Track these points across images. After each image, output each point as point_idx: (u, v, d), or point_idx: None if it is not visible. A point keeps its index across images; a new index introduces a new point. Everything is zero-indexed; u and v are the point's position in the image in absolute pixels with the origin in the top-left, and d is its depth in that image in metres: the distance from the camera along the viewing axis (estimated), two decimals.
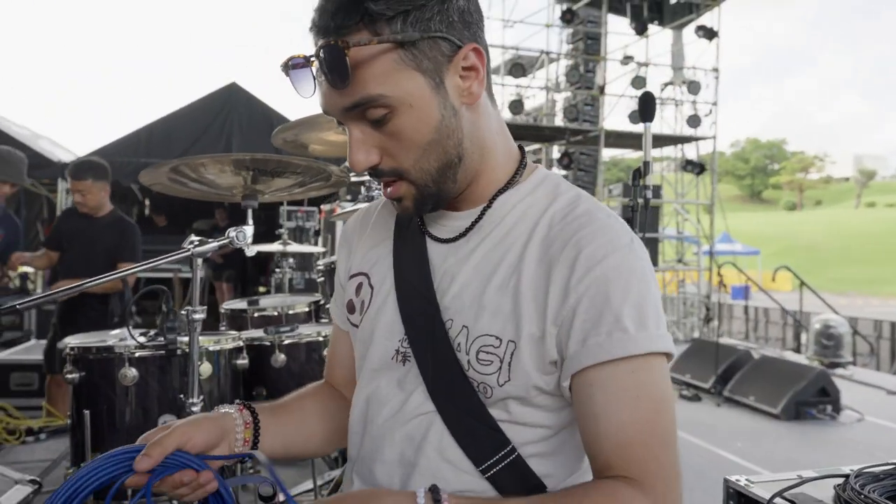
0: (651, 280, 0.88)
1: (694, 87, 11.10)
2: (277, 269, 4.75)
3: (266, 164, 1.79)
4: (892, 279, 33.93)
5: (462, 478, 0.90)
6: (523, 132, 11.76)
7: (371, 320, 1.01)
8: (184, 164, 1.73)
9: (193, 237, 1.72)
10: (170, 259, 1.64)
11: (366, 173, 0.92)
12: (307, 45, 0.87)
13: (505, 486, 0.89)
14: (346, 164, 0.93)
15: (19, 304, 1.39)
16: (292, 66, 0.86)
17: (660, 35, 12.20)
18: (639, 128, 11.11)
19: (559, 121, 12.03)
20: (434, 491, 0.80)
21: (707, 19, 11.35)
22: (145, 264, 1.65)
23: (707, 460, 4.57)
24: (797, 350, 9.23)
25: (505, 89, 11.21)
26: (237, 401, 1.04)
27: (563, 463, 0.94)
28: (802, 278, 8.79)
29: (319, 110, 0.92)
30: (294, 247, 3.33)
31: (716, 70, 11.14)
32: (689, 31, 11.66)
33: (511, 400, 0.89)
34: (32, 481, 1.78)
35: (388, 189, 0.93)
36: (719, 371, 6.25)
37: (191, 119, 8.15)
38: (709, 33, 11.03)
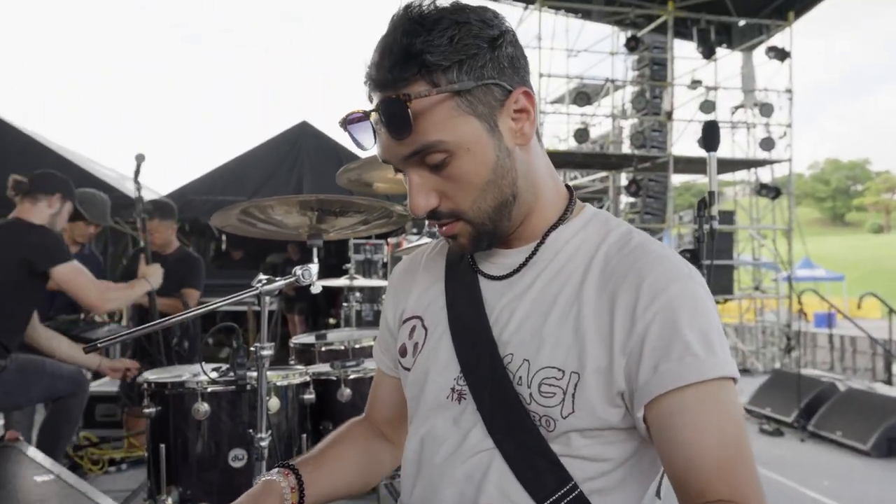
0: (712, 307, 0.90)
1: (766, 110, 10.79)
2: (345, 304, 4.83)
3: (330, 205, 1.84)
4: None
5: None
6: (590, 160, 11.68)
7: (425, 360, 1.03)
8: (253, 206, 1.80)
9: (262, 275, 1.78)
10: (239, 297, 1.71)
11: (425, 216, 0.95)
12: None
13: None
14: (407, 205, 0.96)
15: (101, 342, 1.47)
16: (351, 120, 0.90)
17: (729, 58, 11.96)
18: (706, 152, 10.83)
19: (626, 148, 11.89)
20: None
21: (778, 40, 11.06)
22: (217, 302, 1.72)
23: (791, 499, 4.35)
24: (888, 381, 8.72)
25: (570, 118, 11.19)
26: (280, 463, 1.08)
27: (624, 499, 0.92)
28: (891, 305, 8.31)
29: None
30: (361, 281, 3.39)
31: (789, 91, 10.80)
32: (759, 53, 11.39)
33: (574, 433, 0.89)
34: None
35: (444, 229, 0.95)
36: (802, 404, 5.95)
37: (263, 158, 8.46)
38: (780, 54, 10.72)
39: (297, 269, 1.76)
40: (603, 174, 12.60)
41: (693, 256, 1.91)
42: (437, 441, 0.97)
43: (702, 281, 0.90)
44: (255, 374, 1.86)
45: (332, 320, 8.19)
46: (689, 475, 0.84)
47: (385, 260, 8.83)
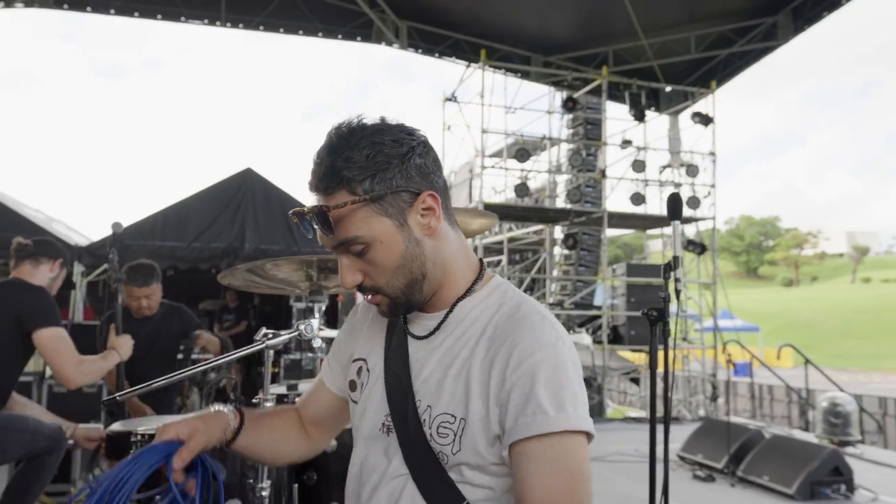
0: (570, 370, 1.08)
1: (692, 171, 11.45)
2: (285, 354, 4.81)
3: (327, 263, 1.95)
4: (892, 354, 33.81)
5: None
6: (529, 213, 12.05)
7: (365, 399, 1.25)
8: (258, 266, 1.89)
9: (265, 329, 1.86)
10: (246, 352, 1.79)
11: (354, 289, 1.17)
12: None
13: None
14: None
15: (120, 395, 1.52)
16: (297, 215, 1.13)
17: (657, 120, 12.69)
18: (640, 209, 11.45)
19: (561, 202, 12.35)
20: None
21: (701, 106, 11.84)
22: (222, 358, 1.79)
23: None
24: (805, 428, 9.20)
25: (509, 173, 11.58)
26: (235, 405, 1.33)
27: None
28: (807, 356, 8.86)
29: None
30: (327, 332, 3.44)
31: (712, 154, 11.53)
32: (685, 117, 12.15)
33: (463, 465, 1.11)
34: None
35: (369, 298, 1.17)
36: (732, 450, 6.22)
37: (205, 204, 8.32)
38: (704, 119, 11.46)
39: (300, 324, 1.86)
40: (539, 227, 13.00)
41: (660, 314, 2.10)
42: (372, 468, 1.19)
43: (566, 347, 1.10)
44: None
45: (273, 368, 8.08)
46: None
47: (323, 308, 8.77)
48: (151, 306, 3.85)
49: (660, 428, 2.35)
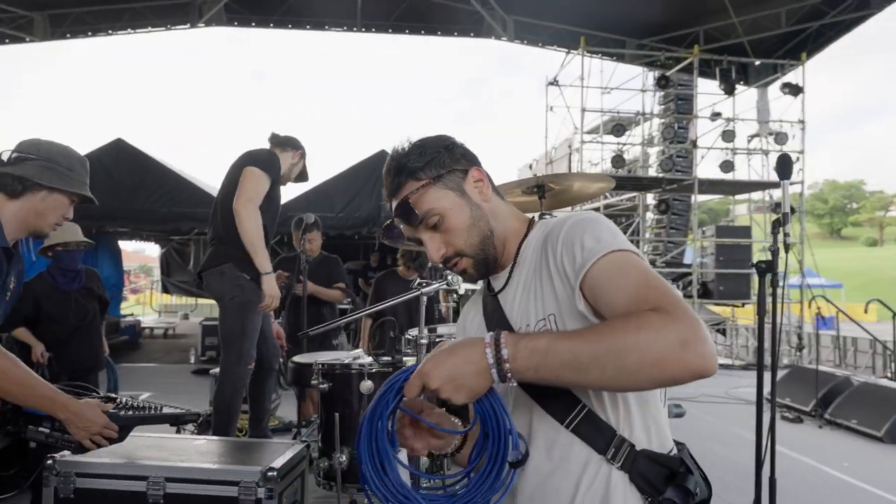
0: (601, 221, 1.08)
1: (781, 139, 10.58)
2: (443, 303, 4.94)
3: None
4: None
5: (555, 431, 1.09)
6: (624, 182, 11.64)
7: None
8: None
9: (419, 279, 1.92)
10: (403, 298, 1.85)
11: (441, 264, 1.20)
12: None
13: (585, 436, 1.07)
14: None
15: (311, 331, 1.62)
16: (386, 229, 1.24)
17: (746, 93, 11.77)
18: (728, 175, 10.74)
19: (652, 171, 11.81)
20: (496, 335, 0.98)
21: (791, 77, 10.87)
22: (386, 303, 1.87)
23: (817, 477, 4.32)
24: (892, 378, 8.50)
25: (605, 147, 11.19)
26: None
27: (623, 411, 1.08)
28: (894, 310, 8.11)
29: None
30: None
31: (801, 122, 10.61)
32: (774, 88, 11.21)
33: None
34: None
35: (455, 268, 1.19)
36: (819, 395, 5.88)
37: (347, 182, 8.75)
38: (794, 90, 10.52)
39: (448, 275, 1.90)
40: (632, 194, 12.53)
41: (769, 266, 1.98)
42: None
43: (596, 215, 1.11)
44: (409, 358, 1.99)
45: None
46: (617, 313, 0.98)
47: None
48: (313, 249, 4.29)
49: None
